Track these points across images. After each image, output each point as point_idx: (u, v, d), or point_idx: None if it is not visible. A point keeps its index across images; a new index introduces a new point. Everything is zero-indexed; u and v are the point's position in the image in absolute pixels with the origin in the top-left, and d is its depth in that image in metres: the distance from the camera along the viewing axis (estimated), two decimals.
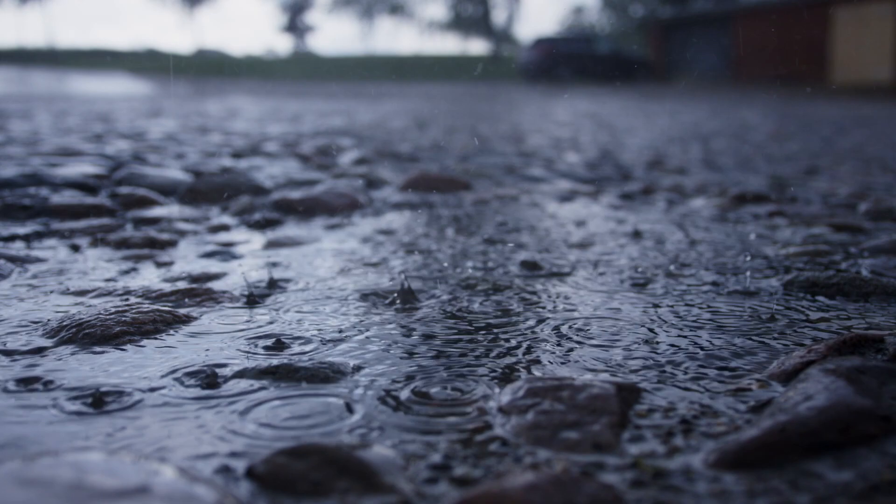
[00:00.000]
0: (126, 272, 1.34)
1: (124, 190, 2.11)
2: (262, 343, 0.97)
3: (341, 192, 2.15)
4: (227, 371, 0.87)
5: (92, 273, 1.33)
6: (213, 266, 1.39)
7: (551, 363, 0.91)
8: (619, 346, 0.97)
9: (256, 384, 0.83)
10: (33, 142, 3.50)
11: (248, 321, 1.06)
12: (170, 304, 1.11)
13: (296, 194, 2.10)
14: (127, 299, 1.15)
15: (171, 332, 1.00)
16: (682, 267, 1.42)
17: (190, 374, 0.86)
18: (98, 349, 0.93)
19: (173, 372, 0.87)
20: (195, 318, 1.06)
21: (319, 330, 1.03)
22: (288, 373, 0.85)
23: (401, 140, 4.31)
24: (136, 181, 2.27)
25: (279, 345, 0.96)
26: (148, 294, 1.17)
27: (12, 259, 1.38)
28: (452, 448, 0.69)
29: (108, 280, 1.28)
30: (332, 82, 21.46)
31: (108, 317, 1.00)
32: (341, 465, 0.64)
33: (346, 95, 11.91)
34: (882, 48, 21.20)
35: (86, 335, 0.96)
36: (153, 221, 1.80)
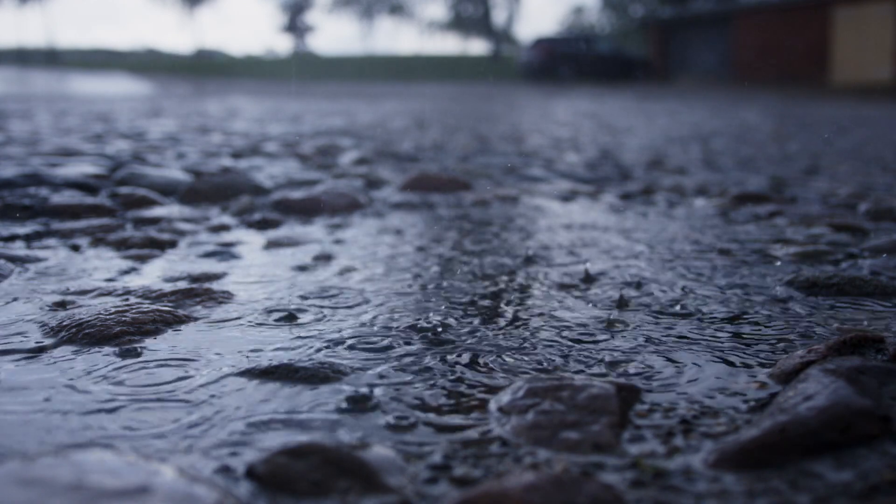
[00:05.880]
0: (126, 272, 1.34)
1: (124, 190, 2.11)
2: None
3: (341, 192, 2.15)
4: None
5: (92, 273, 1.33)
6: (213, 266, 1.39)
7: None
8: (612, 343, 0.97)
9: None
10: (33, 142, 3.50)
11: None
12: (170, 304, 1.11)
13: (296, 194, 2.10)
14: (127, 299, 1.15)
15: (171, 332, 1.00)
16: (679, 266, 1.42)
17: None
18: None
19: None
20: (195, 318, 1.06)
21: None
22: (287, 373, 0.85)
23: (401, 140, 4.31)
24: (137, 181, 2.27)
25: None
26: (148, 294, 1.17)
27: (12, 259, 1.38)
28: (452, 448, 0.69)
29: (108, 280, 1.28)
30: (332, 82, 21.45)
31: (108, 317, 1.00)
32: (341, 465, 0.64)
33: (346, 95, 11.91)
34: (882, 48, 21.20)
35: (86, 335, 0.96)
36: (153, 221, 1.80)
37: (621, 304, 1.16)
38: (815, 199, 2.35)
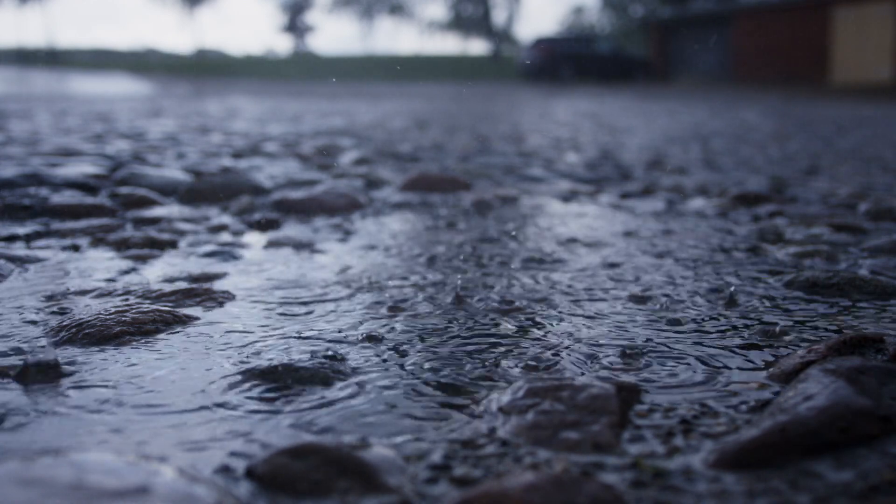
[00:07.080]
0: (126, 272, 1.34)
1: (124, 190, 2.11)
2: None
3: (341, 192, 2.15)
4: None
5: (92, 273, 1.33)
6: (213, 266, 1.39)
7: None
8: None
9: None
10: (33, 142, 3.50)
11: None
12: (170, 304, 1.11)
13: (296, 194, 2.10)
14: (127, 299, 1.15)
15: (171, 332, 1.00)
16: (678, 266, 1.42)
17: None
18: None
19: None
20: (195, 318, 1.06)
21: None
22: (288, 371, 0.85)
23: (401, 140, 4.31)
24: (136, 181, 2.27)
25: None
26: (148, 294, 1.17)
27: (12, 259, 1.38)
28: (452, 448, 0.69)
29: (108, 280, 1.28)
30: (332, 82, 21.46)
31: (108, 317, 1.00)
32: (341, 465, 0.64)
33: (346, 95, 11.91)
34: (882, 48, 21.21)
35: (86, 335, 0.96)
36: (153, 221, 1.80)
37: (620, 304, 1.16)
38: (815, 199, 2.35)
